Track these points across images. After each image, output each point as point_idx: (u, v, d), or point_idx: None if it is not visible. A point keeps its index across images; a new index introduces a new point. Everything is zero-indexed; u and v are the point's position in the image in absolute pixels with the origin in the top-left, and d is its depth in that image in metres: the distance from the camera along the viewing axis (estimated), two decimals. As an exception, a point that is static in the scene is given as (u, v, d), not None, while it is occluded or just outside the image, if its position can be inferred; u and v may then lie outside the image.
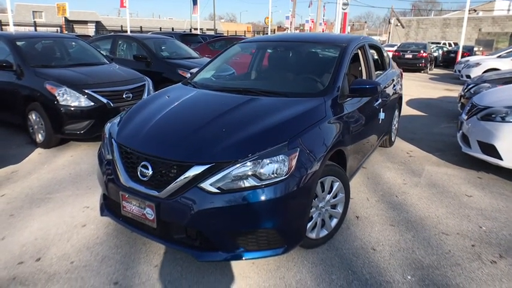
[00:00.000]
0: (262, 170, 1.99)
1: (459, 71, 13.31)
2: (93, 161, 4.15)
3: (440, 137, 5.74)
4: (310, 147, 2.22)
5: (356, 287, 2.22)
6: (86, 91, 4.41)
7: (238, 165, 1.99)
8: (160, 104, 2.76)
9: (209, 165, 2.00)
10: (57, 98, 4.29)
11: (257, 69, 3.61)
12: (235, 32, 30.65)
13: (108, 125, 2.69)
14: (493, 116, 4.03)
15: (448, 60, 20.10)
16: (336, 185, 2.55)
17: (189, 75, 6.30)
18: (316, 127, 2.35)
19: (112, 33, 10.00)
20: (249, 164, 1.99)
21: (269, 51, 3.75)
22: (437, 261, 2.51)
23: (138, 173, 2.16)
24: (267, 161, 2.01)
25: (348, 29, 23.36)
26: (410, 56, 17.72)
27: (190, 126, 2.34)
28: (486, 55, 15.83)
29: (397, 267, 2.42)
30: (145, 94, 5.06)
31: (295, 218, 2.16)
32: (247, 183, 1.97)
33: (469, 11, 17.13)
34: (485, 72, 11.62)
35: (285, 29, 35.96)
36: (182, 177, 2.01)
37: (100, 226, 2.80)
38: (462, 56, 17.07)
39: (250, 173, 1.98)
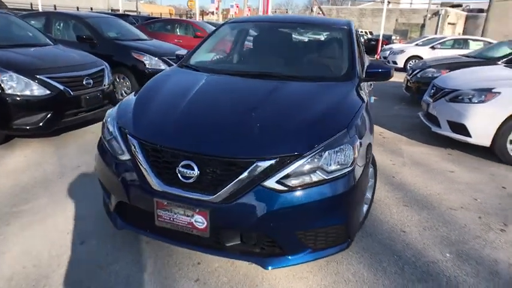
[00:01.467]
0: (328, 162, 1.82)
1: (385, 58, 14.46)
2: (58, 161, 3.48)
3: (400, 118, 6.13)
4: (362, 133, 2.10)
5: (408, 271, 2.22)
6: (39, 77, 3.65)
7: (304, 158, 1.79)
8: (173, 92, 2.39)
9: (273, 161, 1.76)
10: (2, 86, 3.47)
11: (261, 52, 3.31)
12: (160, 14, 28.85)
13: (111, 116, 2.22)
14: (460, 97, 4.39)
15: (369, 47, 21.61)
16: (370, 170, 2.49)
17: (146, 58, 5.71)
18: (361, 112, 2.23)
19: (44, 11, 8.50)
20: (315, 156, 1.81)
21: (269, 33, 3.47)
22: (461, 236, 2.64)
23: (179, 175, 1.81)
24: (331, 151, 1.84)
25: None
26: None
27: (231, 117, 2.06)
28: (404, 43, 17.46)
29: (432, 246, 2.49)
30: (106, 80, 4.41)
31: (359, 209, 2.05)
32: (314, 178, 1.78)
33: (381, 1, 18.65)
34: (409, 58, 12.81)
35: (208, 14, 34.99)
36: (242, 176, 1.73)
37: (103, 240, 2.33)
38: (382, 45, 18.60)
39: (317, 166, 1.80)
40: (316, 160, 1.80)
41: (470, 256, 2.40)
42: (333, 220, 1.87)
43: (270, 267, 1.85)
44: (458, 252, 2.44)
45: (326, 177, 1.79)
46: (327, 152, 1.82)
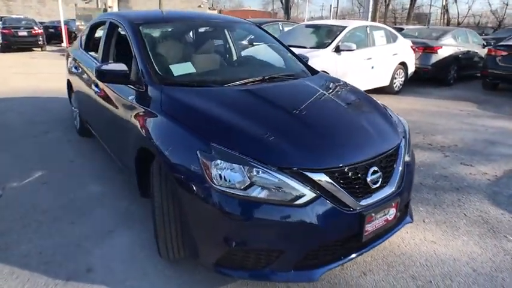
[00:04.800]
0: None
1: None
2: None
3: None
4: None
5: (490, 238, 2.37)
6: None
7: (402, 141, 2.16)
8: (244, 112, 2.01)
9: (397, 145, 2.08)
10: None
11: (207, 53, 3.02)
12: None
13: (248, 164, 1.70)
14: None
15: (49, 36, 18.31)
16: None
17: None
18: None
19: None
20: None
21: (193, 33, 3.26)
22: None
23: (370, 183, 1.82)
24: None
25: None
26: (25, 33, 15.32)
27: (331, 121, 2.11)
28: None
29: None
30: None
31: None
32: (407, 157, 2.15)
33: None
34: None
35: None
36: (399, 160, 2.03)
37: None
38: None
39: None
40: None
41: None
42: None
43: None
44: None
45: (408, 158, 2.15)
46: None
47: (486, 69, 7.70)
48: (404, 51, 7.37)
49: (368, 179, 1.80)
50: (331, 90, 2.55)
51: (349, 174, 1.75)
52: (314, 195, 1.64)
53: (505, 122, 5.38)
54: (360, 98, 2.51)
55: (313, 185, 1.65)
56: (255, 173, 1.61)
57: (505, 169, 3.53)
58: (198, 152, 1.68)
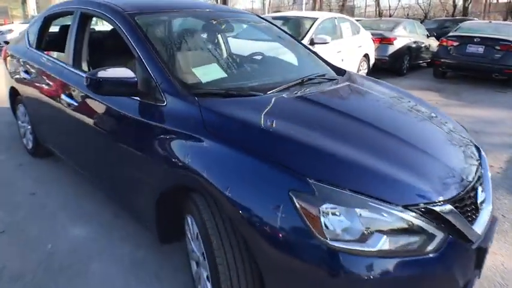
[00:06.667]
0: None
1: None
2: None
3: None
4: None
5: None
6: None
7: None
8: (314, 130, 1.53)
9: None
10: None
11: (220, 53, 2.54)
12: None
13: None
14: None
15: None
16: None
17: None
18: None
19: None
20: None
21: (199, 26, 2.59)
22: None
23: (480, 205, 1.50)
24: None
25: None
26: None
27: (433, 139, 1.74)
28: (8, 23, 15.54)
29: None
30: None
31: None
32: None
33: None
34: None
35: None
36: (487, 172, 1.76)
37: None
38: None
39: None
40: None
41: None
42: None
43: None
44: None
45: None
46: None
47: (439, 58, 8.04)
48: (366, 43, 7.37)
49: (478, 201, 1.49)
50: (390, 95, 2.17)
51: (468, 200, 1.42)
52: (443, 234, 1.27)
53: (474, 110, 5.57)
54: (418, 102, 2.19)
55: (440, 221, 1.27)
56: (376, 217, 1.19)
57: (504, 160, 3.54)
58: (290, 192, 1.20)
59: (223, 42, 2.56)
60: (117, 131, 1.88)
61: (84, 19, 2.37)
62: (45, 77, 2.63)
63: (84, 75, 2.18)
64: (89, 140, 2.20)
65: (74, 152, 2.55)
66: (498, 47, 7.13)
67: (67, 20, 2.61)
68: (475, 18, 17.34)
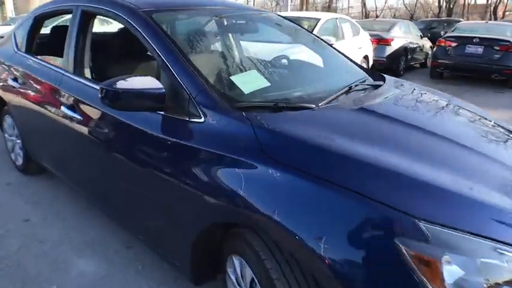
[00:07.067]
0: None
1: None
2: None
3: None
4: None
5: None
6: None
7: None
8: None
9: None
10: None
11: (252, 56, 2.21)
12: None
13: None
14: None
15: None
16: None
17: None
18: None
19: None
20: None
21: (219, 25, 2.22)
22: None
23: None
24: None
25: None
26: None
27: None
28: None
29: None
30: None
31: None
32: None
33: None
34: None
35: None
36: None
37: None
38: None
39: None
40: None
41: None
42: None
43: None
44: None
45: None
46: None
47: (436, 59, 7.94)
48: (366, 45, 7.20)
49: None
50: (450, 104, 1.91)
51: None
52: None
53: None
54: (479, 112, 1.94)
55: None
56: (497, 264, 0.93)
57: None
58: (396, 240, 0.93)
59: (249, 45, 2.26)
60: (136, 152, 1.56)
61: (86, 18, 2.04)
62: (38, 85, 2.28)
63: (89, 84, 1.89)
64: (96, 162, 1.87)
65: (76, 174, 2.20)
66: (497, 48, 7.08)
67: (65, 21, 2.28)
68: (461, 19, 17.59)
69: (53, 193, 2.68)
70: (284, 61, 2.16)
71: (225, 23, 2.12)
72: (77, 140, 1.97)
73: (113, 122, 1.67)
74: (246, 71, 1.63)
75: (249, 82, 1.52)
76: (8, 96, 2.71)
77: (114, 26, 2.84)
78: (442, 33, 14.17)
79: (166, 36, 1.56)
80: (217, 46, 1.93)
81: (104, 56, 2.23)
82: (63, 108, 1.99)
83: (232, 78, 1.54)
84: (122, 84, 1.34)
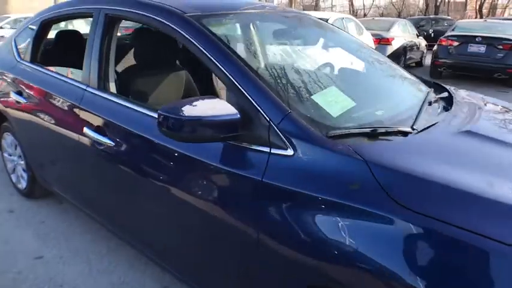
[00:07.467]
0: None
1: None
2: None
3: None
4: None
5: None
6: None
7: None
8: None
9: None
10: None
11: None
12: None
13: None
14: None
15: None
16: None
17: None
18: None
19: None
20: None
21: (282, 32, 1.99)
22: None
23: None
24: None
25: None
26: None
27: None
28: None
29: None
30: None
31: None
32: None
33: None
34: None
35: None
36: None
37: None
38: None
39: None
40: None
41: None
42: None
43: None
44: None
45: None
46: None
47: (437, 58, 7.85)
48: (369, 44, 7.04)
49: None
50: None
51: None
52: None
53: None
54: None
55: None
56: None
57: None
58: None
59: (306, 54, 1.98)
60: (190, 188, 1.28)
61: (111, 24, 1.74)
62: (50, 102, 1.96)
63: (119, 101, 1.60)
64: (135, 195, 1.57)
65: (104, 207, 1.88)
66: (500, 46, 7.03)
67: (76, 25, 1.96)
68: (449, 17, 17.76)
69: (65, 220, 2.35)
70: (346, 71, 1.91)
71: (281, 27, 1.85)
72: (102, 167, 1.67)
73: (159, 149, 1.38)
74: (323, 87, 1.36)
75: (333, 102, 1.25)
76: (10, 112, 2.36)
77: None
78: (430, 31, 14.31)
79: (228, 48, 1.28)
80: (284, 58, 1.65)
81: (131, 66, 1.93)
82: (86, 129, 1.68)
83: (314, 97, 1.27)
84: (189, 110, 1.06)
